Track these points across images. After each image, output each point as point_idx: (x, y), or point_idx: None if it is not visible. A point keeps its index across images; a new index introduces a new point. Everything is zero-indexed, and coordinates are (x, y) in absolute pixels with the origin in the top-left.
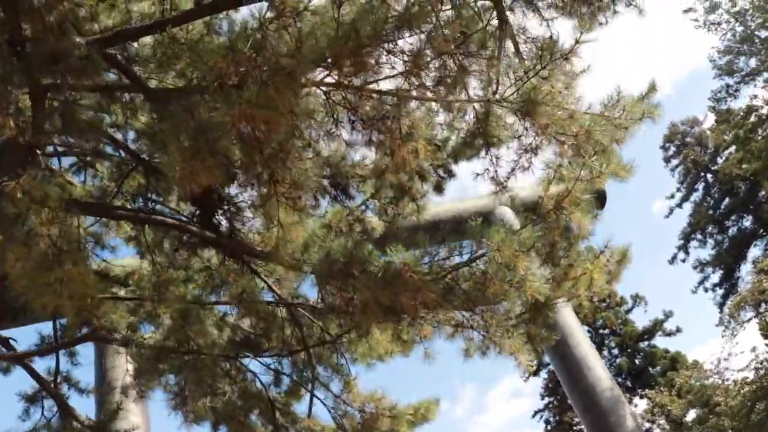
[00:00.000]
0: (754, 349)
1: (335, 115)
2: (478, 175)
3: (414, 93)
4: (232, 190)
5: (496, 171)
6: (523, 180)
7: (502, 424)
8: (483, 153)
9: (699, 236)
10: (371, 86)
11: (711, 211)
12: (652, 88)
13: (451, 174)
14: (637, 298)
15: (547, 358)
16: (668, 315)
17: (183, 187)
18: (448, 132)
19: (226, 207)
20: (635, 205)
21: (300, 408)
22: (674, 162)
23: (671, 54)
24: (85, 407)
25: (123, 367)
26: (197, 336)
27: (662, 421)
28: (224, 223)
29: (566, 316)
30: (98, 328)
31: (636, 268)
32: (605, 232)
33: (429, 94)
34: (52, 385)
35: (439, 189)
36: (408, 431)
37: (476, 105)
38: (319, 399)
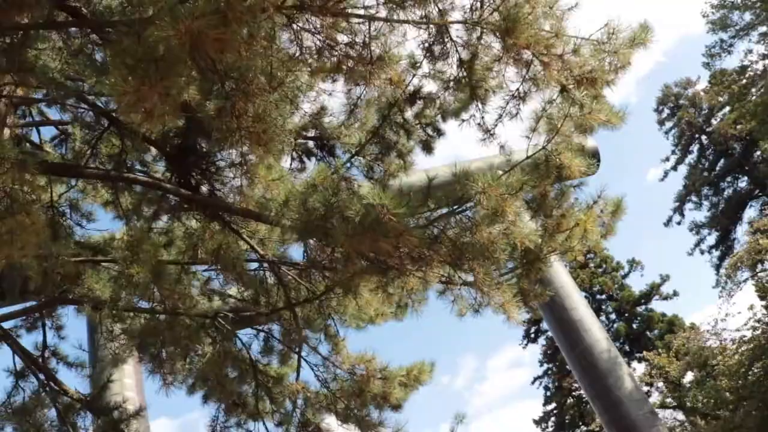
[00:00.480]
0: (751, 308)
1: (300, 40)
2: (463, 121)
3: (385, 14)
4: (210, 148)
5: (482, 118)
6: (511, 128)
7: (503, 393)
8: (471, 107)
9: (694, 198)
10: (339, 6)
11: (706, 173)
12: (644, 27)
13: (439, 132)
14: (633, 263)
15: (545, 324)
16: (665, 279)
17: (135, 121)
18: (433, 82)
19: (204, 167)
20: (629, 174)
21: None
22: (668, 125)
23: (661, 20)
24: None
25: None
26: (170, 296)
27: (660, 384)
28: (203, 184)
29: (562, 279)
30: (70, 292)
31: (631, 234)
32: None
33: (401, 15)
34: (40, 360)
35: (428, 148)
36: (401, 395)
37: (460, 49)
38: (306, 361)
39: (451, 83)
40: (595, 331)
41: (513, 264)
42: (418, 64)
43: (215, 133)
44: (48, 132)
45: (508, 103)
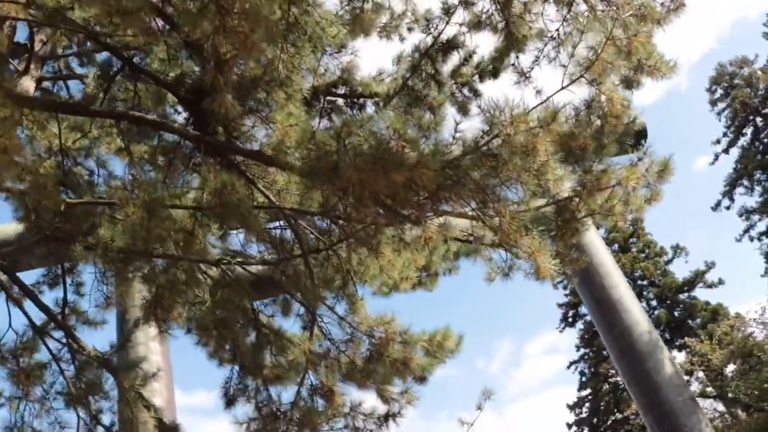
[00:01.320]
0: None
1: None
2: (497, 76)
3: None
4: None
5: (517, 58)
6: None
7: (538, 378)
8: (509, 57)
9: (746, 183)
10: None
11: (759, 156)
12: None
13: (477, 93)
14: (677, 249)
15: (583, 309)
16: (710, 266)
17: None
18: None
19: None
20: (677, 161)
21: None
22: (721, 106)
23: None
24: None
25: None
26: (166, 238)
27: (700, 374)
28: (221, 132)
29: (602, 257)
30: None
31: (677, 221)
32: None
33: None
34: (60, 317)
35: (464, 110)
36: (425, 364)
37: None
38: (320, 320)
39: (487, 27)
40: (635, 312)
41: (545, 227)
42: (452, 10)
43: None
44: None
45: (546, 44)
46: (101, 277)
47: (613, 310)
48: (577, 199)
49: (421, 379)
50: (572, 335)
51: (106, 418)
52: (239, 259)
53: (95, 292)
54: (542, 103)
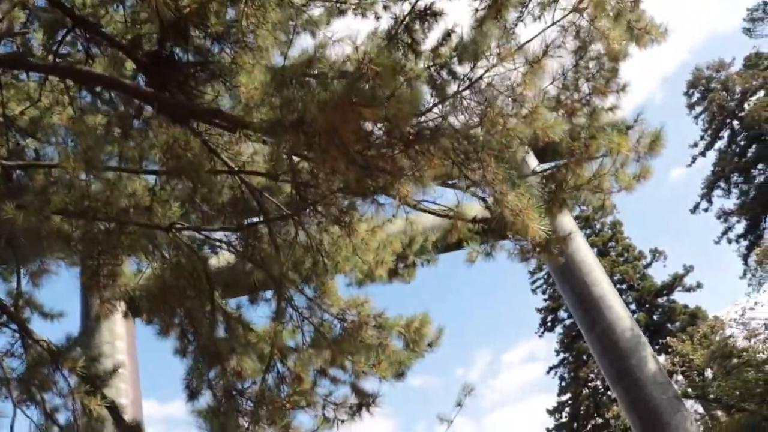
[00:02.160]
0: None
1: None
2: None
3: None
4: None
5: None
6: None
7: (516, 387)
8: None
9: (723, 185)
10: None
11: (736, 159)
12: None
13: (455, 76)
14: (656, 253)
15: (562, 313)
16: (688, 270)
17: None
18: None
19: (182, 79)
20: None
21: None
22: (698, 109)
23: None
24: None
25: None
26: (110, 197)
27: (680, 378)
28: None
29: (583, 253)
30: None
31: (654, 228)
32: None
33: None
34: (13, 309)
35: (441, 94)
36: (404, 358)
37: None
38: (288, 301)
39: None
40: (618, 309)
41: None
42: None
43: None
44: None
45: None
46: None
47: (595, 308)
48: (564, 169)
49: (399, 375)
50: (550, 343)
51: (61, 417)
52: (190, 229)
53: (53, 283)
54: (532, 39)
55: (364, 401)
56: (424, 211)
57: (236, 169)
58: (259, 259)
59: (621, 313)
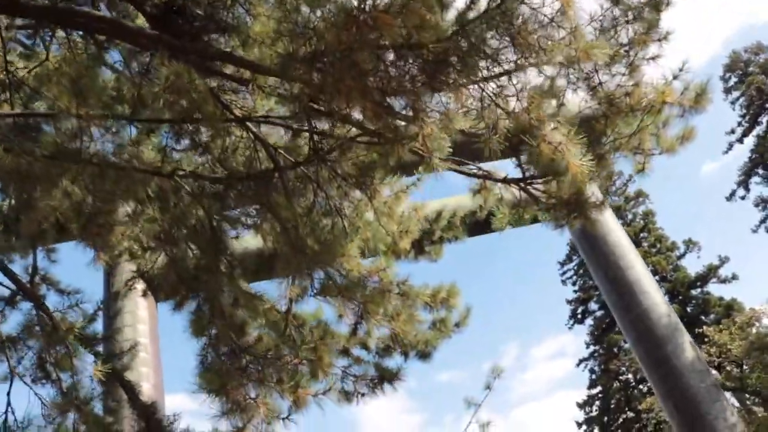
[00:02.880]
0: None
1: None
2: None
3: None
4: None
5: None
6: None
7: (545, 382)
8: None
9: (761, 172)
10: None
11: None
12: None
13: None
14: (690, 243)
15: (592, 305)
16: (723, 261)
17: None
18: None
19: (193, 32)
20: (685, 167)
21: None
22: (735, 94)
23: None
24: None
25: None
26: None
27: (714, 372)
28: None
29: (617, 235)
30: None
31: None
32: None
33: None
34: (29, 285)
35: None
36: (429, 337)
37: None
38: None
39: None
40: (654, 294)
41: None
42: None
43: None
44: None
45: None
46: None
47: (629, 292)
48: (603, 120)
49: (425, 355)
50: (578, 339)
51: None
52: (196, 177)
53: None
54: None
55: (387, 375)
56: (450, 169)
57: (244, 116)
58: (272, 209)
59: (657, 299)
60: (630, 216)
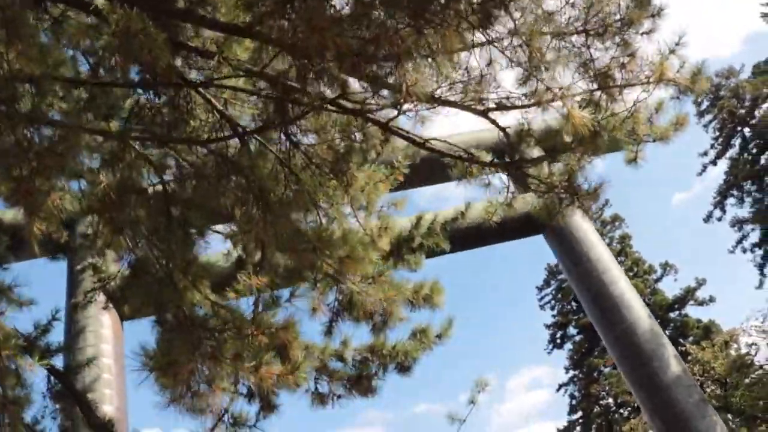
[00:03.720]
0: None
1: None
2: None
3: None
4: None
5: None
6: None
7: (522, 413)
8: None
9: (736, 193)
10: None
11: (749, 166)
12: None
13: None
14: (666, 266)
15: (571, 329)
16: (701, 283)
17: None
18: None
19: None
20: (655, 198)
21: None
22: (708, 117)
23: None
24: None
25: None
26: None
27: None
28: None
29: (599, 250)
30: None
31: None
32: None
33: None
34: None
35: None
36: (409, 348)
37: None
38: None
39: None
40: (638, 309)
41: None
42: None
43: None
44: None
45: None
46: None
47: (613, 307)
48: (599, 94)
49: (404, 369)
50: (555, 369)
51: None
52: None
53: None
54: None
55: (364, 372)
56: (434, 151)
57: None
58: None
59: (641, 313)
60: (607, 240)
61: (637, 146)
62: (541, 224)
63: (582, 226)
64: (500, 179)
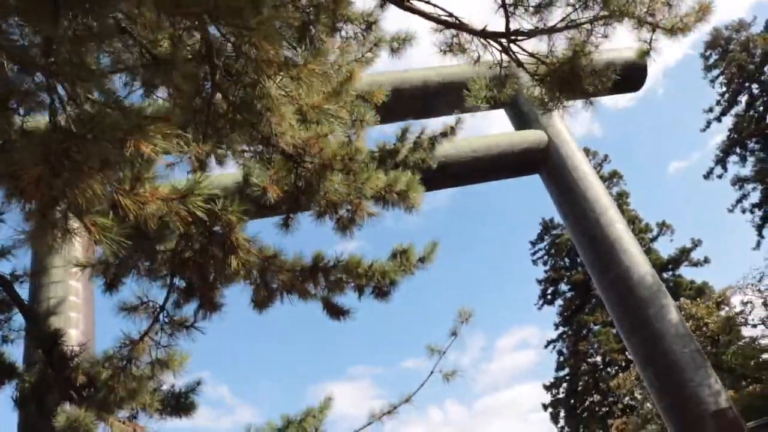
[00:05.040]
0: None
1: None
2: None
3: None
4: None
5: None
6: None
7: (509, 373)
8: None
9: (739, 151)
10: None
11: (754, 124)
12: None
13: None
14: (663, 226)
15: (563, 286)
16: (696, 243)
17: None
18: None
19: None
20: (652, 165)
21: None
22: (715, 72)
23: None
24: None
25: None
26: None
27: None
28: None
29: (597, 191)
30: None
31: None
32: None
33: None
34: None
35: None
36: (388, 269)
37: None
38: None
39: None
40: (635, 253)
41: None
42: None
43: None
44: None
45: None
46: None
47: (608, 251)
48: None
49: (382, 293)
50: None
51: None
52: None
53: None
54: None
55: (321, 263)
56: (415, 11)
57: None
58: None
59: (639, 258)
60: None
61: (652, 33)
62: (539, 162)
63: (581, 165)
64: (493, 56)
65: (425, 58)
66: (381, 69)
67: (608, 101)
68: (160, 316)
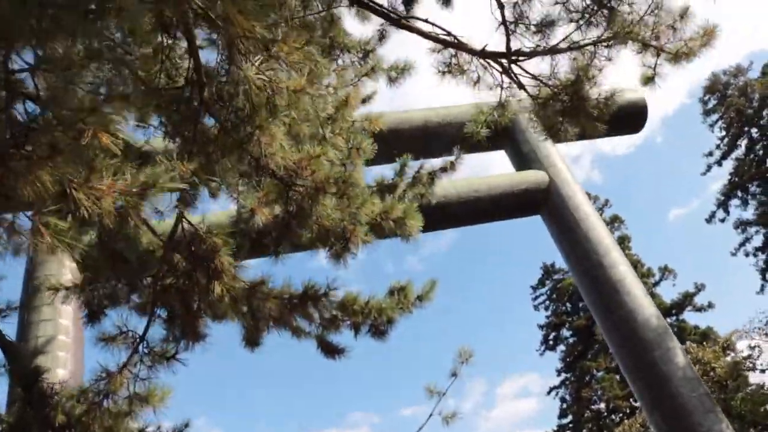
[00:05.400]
0: None
1: None
2: None
3: None
4: None
5: None
6: None
7: (510, 420)
8: None
9: (740, 194)
10: None
11: (755, 167)
12: None
13: None
14: (665, 270)
15: (564, 331)
16: (699, 288)
17: None
18: None
19: None
20: (652, 212)
21: None
22: (714, 117)
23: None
24: None
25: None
26: None
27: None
28: None
29: (600, 233)
30: None
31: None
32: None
33: None
34: None
35: None
36: (386, 306)
37: None
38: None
39: None
40: (639, 295)
41: None
42: None
43: None
44: None
45: None
46: None
47: (612, 292)
48: None
49: (379, 332)
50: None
51: None
52: None
53: None
54: None
55: (311, 291)
56: (413, 30)
57: None
58: None
59: (642, 300)
60: None
61: (656, 58)
62: (540, 202)
63: (582, 206)
64: (493, 77)
65: (426, 99)
66: (379, 109)
67: (607, 147)
68: (140, 347)
